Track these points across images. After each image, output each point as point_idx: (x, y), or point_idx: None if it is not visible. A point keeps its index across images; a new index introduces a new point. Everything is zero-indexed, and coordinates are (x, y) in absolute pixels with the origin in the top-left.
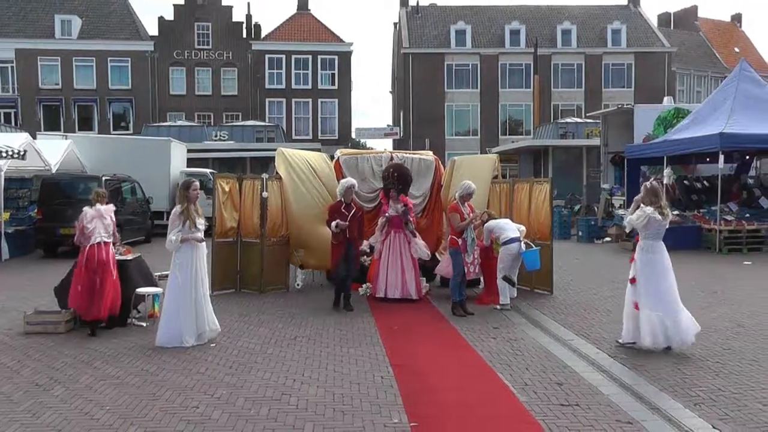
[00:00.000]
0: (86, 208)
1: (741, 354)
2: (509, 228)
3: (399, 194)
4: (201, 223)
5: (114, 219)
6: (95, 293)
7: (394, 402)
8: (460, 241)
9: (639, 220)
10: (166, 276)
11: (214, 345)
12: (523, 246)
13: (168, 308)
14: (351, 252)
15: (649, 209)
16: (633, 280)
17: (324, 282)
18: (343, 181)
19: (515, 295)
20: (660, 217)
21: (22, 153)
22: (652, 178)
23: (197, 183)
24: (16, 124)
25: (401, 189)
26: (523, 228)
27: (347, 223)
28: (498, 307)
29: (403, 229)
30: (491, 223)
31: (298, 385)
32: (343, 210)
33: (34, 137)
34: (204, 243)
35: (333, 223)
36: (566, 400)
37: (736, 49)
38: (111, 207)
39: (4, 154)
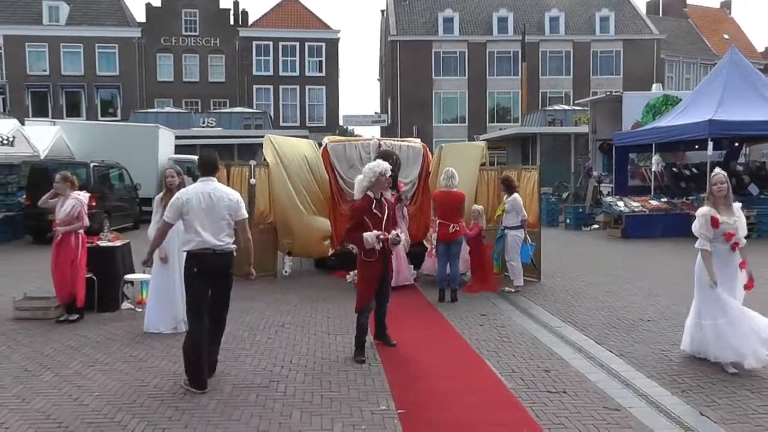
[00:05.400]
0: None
1: None
2: None
3: (396, 181)
4: None
5: (74, 206)
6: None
7: (382, 389)
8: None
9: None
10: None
11: None
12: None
13: (152, 295)
14: (387, 272)
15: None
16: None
17: (312, 269)
18: (370, 165)
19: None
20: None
21: (10, 139)
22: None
23: (171, 170)
24: (4, 110)
25: (395, 175)
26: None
27: (386, 233)
28: (512, 290)
29: (395, 215)
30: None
31: (286, 372)
32: (375, 210)
33: (23, 123)
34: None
35: (369, 236)
36: (553, 387)
37: (726, 36)
38: (70, 198)
39: None
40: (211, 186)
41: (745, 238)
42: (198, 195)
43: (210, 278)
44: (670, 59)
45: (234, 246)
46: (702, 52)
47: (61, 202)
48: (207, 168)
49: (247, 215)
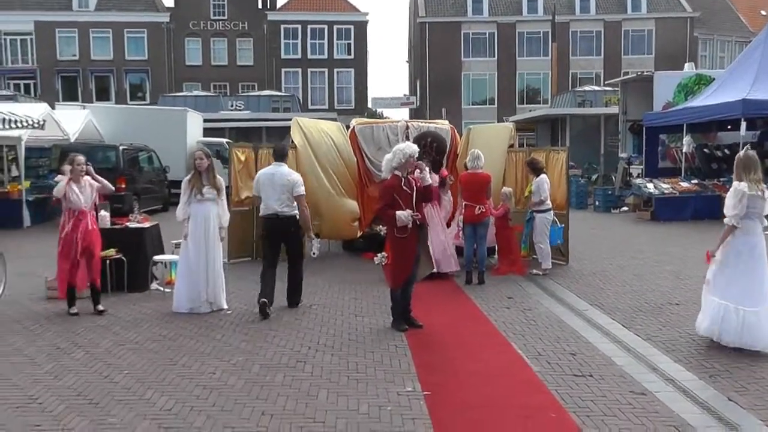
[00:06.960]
0: None
1: None
2: None
3: (438, 166)
4: (210, 192)
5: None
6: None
7: (408, 371)
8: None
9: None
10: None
11: (230, 312)
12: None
13: (179, 276)
14: (423, 241)
15: (744, 185)
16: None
17: (340, 251)
18: (401, 146)
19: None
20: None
21: (41, 123)
22: (747, 147)
23: (200, 152)
24: (35, 94)
25: (438, 160)
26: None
27: (418, 214)
28: (540, 272)
29: (441, 199)
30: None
31: (312, 352)
32: (405, 187)
33: (53, 107)
34: (216, 215)
35: (402, 215)
36: (579, 371)
37: (763, 12)
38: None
39: (24, 124)
40: (277, 168)
41: None
42: (266, 174)
43: (276, 236)
44: (704, 37)
45: (296, 212)
46: (737, 30)
47: (78, 188)
48: (277, 154)
49: (302, 191)
